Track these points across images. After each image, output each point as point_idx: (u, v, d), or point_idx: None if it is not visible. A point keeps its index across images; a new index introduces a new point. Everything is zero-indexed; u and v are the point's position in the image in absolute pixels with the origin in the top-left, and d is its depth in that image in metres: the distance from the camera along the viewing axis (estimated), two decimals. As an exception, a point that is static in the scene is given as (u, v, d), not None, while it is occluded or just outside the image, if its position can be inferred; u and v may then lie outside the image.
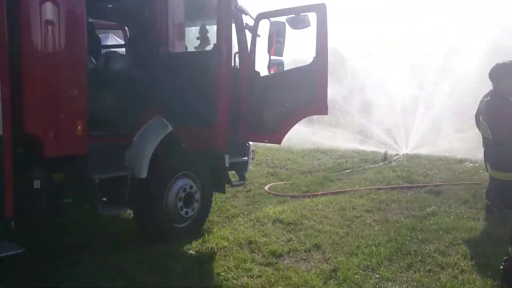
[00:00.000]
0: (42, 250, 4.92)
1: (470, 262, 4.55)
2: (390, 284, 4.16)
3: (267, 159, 12.00)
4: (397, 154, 12.52)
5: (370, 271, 4.39)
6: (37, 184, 4.43)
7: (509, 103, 5.42)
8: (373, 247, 4.96)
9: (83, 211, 5.20)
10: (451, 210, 6.45)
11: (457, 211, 6.41)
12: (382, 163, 11.07)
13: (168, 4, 5.37)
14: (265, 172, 10.30)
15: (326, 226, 5.88)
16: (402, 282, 4.20)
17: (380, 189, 7.98)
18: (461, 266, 4.46)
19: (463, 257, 4.67)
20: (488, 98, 5.73)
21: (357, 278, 4.22)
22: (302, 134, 14.17)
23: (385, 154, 11.88)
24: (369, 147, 13.90)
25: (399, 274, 4.36)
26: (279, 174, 10.17)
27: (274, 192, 8.20)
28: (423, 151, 12.60)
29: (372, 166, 10.84)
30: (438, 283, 4.13)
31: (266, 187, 8.59)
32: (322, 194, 7.78)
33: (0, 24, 3.89)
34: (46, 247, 5.05)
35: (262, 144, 12.64)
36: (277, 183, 9.15)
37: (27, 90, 4.13)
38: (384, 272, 4.35)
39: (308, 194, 7.94)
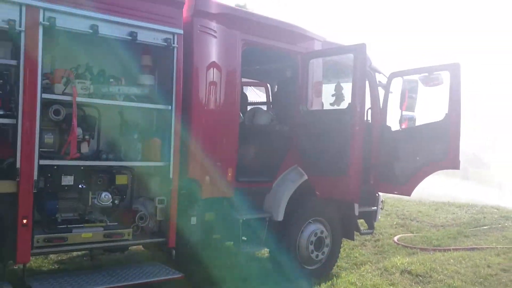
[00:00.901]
0: (193, 278, 5.69)
1: None
2: None
3: (397, 210, 11.91)
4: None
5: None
6: (193, 220, 5.26)
7: None
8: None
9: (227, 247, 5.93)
10: None
11: None
12: (525, 222, 10.35)
13: (308, 67, 6.04)
14: (395, 223, 10.29)
15: (457, 282, 5.85)
16: None
17: (521, 248, 7.58)
18: None
19: None
20: None
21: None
22: (436, 186, 13.81)
23: (531, 211, 11.07)
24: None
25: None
26: (409, 226, 10.10)
27: (403, 243, 8.23)
28: None
29: (514, 224, 10.20)
30: None
31: (395, 238, 8.65)
32: (455, 249, 7.63)
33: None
34: (197, 275, 5.82)
35: (392, 195, 12.66)
36: (406, 234, 9.13)
37: (193, 143, 5.01)
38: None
39: (439, 248, 7.84)
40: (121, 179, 4.79)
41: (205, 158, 5.15)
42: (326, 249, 6.24)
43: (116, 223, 4.73)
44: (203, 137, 5.14)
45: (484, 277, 6.03)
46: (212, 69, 5.17)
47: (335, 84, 7.24)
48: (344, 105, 6.13)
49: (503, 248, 7.58)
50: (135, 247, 6.22)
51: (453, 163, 5.92)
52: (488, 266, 6.54)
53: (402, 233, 9.26)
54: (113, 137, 5.02)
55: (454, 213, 11.87)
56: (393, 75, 6.61)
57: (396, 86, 6.55)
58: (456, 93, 5.87)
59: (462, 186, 16.92)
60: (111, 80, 4.73)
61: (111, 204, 4.65)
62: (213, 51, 5.16)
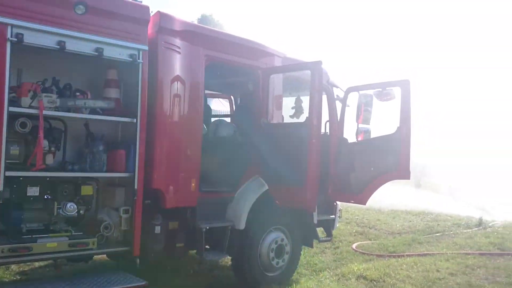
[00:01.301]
0: (157, 286, 5.83)
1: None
2: None
3: (357, 218, 12.32)
4: (493, 220, 12.21)
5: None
6: (157, 229, 5.42)
7: None
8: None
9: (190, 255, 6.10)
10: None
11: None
12: (476, 229, 10.93)
13: (269, 81, 6.33)
14: (354, 231, 10.69)
15: (408, 286, 6.22)
16: None
17: (468, 254, 8.05)
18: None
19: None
20: None
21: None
22: (393, 196, 14.35)
23: (480, 219, 11.68)
24: (464, 212, 13.64)
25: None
26: (368, 234, 10.52)
27: (360, 250, 8.60)
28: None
29: (465, 231, 10.75)
30: None
31: (354, 246, 9.01)
32: (408, 255, 8.05)
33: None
34: (161, 283, 5.96)
35: (352, 204, 13.10)
36: (365, 242, 9.52)
37: (157, 154, 5.20)
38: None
39: (394, 254, 8.24)
40: (86, 190, 4.89)
41: (169, 169, 5.33)
42: (286, 256, 6.48)
43: (81, 233, 4.82)
44: (167, 149, 5.32)
45: (432, 281, 6.43)
46: (176, 83, 5.36)
47: (295, 98, 7.58)
48: (303, 118, 6.44)
49: (452, 253, 8.03)
50: (99, 256, 6.33)
51: (403, 174, 6.33)
52: (437, 271, 6.95)
53: (361, 241, 9.65)
54: (78, 148, 5.13)
55: (410, 221, 12.38)
56: (350, 90, 7.00)
57: (353, 100, 6.94)
58: (406, 107, 6.30)
59: (419, 195, 17.59)
60: (77, 93, 4.88)
61: (76, 214, 4.73)
62: (177, 66, 5.37)
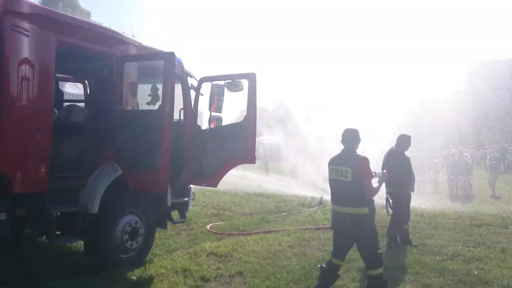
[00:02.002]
0: (4, 273, 5.69)
1: (357, 284, 5.71)
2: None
3: (213, 201, 12.97)
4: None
5: (277, 290, 5.46)
6: (3, 216, 5.28)
7: None
8: (284, 273, 6.03)
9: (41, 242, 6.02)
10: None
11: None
12: (316, 207, 12.26)
13: (123, 69, 6.47)
14: (210, 213, 11.28)
15: (252, 258, 6.90)
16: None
17: (306, 228, 9.11)
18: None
19: (351, 280, 5.83)
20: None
21: (266, 295, 5.30)
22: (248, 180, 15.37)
23: (321, 199, 13.10)
24: (310, 193, 15.12)
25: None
26: (222, 215, 11.18)
27: (214, 231, 9.19)
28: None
29: (307, 209, 12.00)
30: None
31: (208, 226, 9.57)
32: (256, 233, 8.83)
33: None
34: (8, 271, 5.82)
35: (210, 188, 13.72)
36: (218, 223, 10.15)
37: (2, 137, 5.07)
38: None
39: (243, 232, 8.97)
40: None
41: (17, 153, 5.24)
42: (140, 239, 6.73)
43: None
44: (14, 132, 5.21)
45: (274, 253, 7.22)
46: (24, 66, 5.26)
47: (151, 86, 7.80)
48: (158, 105, 6.71)
49: (293, 229, 9.01)
50: None
51: (250, 159, 7.01)
52: (279, 244, 7.79)
53: (215, 222, 10.25)
54: None
55: (262, 203, 13.39)
56: (203, 80, 7.45)
57: (207, 89, 7.41)
58: (253, 98, 6.95)
59: (271, 179, 19.02)
60: None
61: None
62: (25, 49, 5.26)
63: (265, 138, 47.96)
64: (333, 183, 5.31)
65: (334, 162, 5.34)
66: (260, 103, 7.41)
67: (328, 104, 23.51)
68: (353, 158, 5.23)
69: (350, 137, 5.33)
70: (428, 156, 21.97)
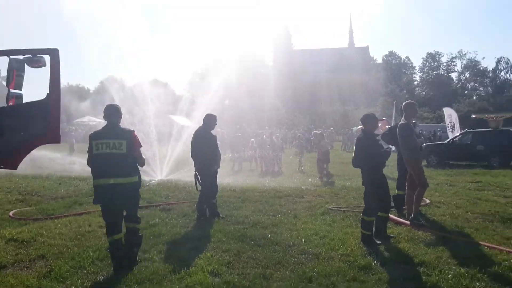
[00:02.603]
0: None
1: (162, 255, 6.02)
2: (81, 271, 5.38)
3: (20, 187, 12.04)
4: (151, 180, 13.87)
5: (80, 269, 5.42)
6: None
7: None
8: (91, 252, 6.03)
9: None
10: (171, 222, 7.94)
11: (175, 222, 7.94)
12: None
13: None
14: (14, 199, 10.48)
15: (58, 241, 6.69)
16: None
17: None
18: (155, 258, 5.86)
19: (158, 252, 6.11)
20: None
21: (67, 274, 5.25)
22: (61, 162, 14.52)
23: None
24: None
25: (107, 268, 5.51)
26: (29, 200, 10.46)
27: (17, 217, 8.57)
28: (174, 176, 14.30)
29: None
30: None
31: (11, 213, 8.88)
32: (65, 216, 8.51)
33: None
34: None
35: (17, 173, 12.68)
36: (24, 208, 9.48)
37: None
38: (90, 268, 5.48)
39: (51, 216, 8.56)
40: None
41: None
42: None
43: None
44: None
45: (82, 234, 7.09)
46: None
47: None
48: None
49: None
50: None
51: (53, 138, 6.71)
52: (89, 225, 7.67)
53: (20, 208, 9.55)
54: None
55: (76, 186, 12.88)
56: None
57: (4, 65, 6.82)
58: (56, 75, 6.64)
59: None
60: None
61: None
62: None
63: (86, 119, 45.56)
64: (104, 156, 5.49)
65: (101, 137, 5.56)
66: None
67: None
68: (124, 131, 5.61)
69: (114, 113, 5.68)
70: (245, 136, 23.51)
